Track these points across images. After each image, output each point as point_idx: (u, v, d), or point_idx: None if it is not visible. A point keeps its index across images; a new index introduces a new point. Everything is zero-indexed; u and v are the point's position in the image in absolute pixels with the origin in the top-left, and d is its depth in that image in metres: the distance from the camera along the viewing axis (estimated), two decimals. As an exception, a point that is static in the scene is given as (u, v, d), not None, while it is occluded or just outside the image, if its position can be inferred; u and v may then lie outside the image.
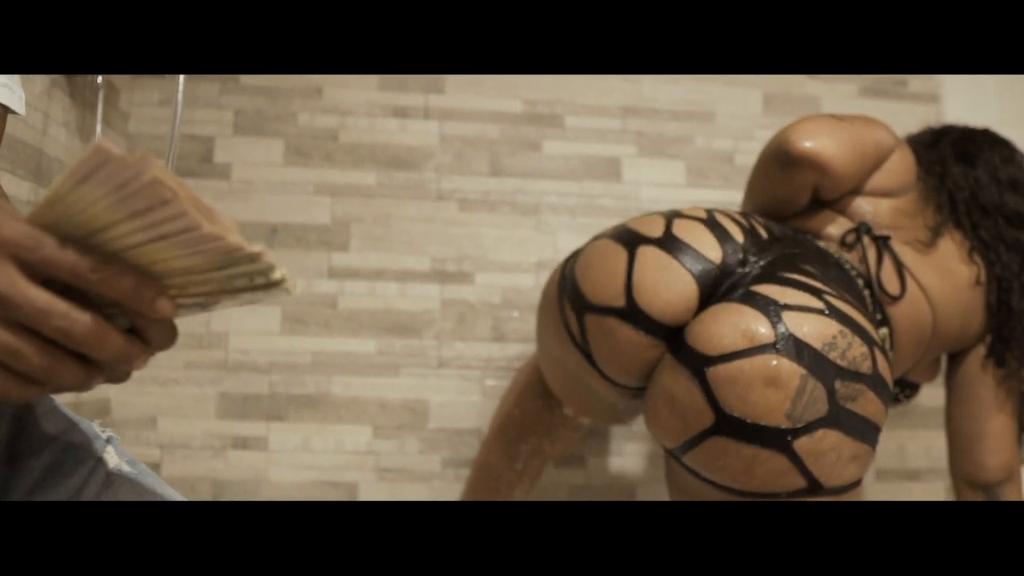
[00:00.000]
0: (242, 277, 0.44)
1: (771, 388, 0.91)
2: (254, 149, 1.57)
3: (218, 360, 1.52)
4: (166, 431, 1.50)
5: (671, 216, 1.05)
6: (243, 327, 1.53)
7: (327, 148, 1.58)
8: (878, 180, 1.18)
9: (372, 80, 1.61)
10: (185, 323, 1.52)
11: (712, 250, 1.00)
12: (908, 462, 1.68)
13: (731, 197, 1.64)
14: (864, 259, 1.12)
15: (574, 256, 1.11)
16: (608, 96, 1.66)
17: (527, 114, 1.64)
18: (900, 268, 1.13)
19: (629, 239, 1.03)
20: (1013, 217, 1.20)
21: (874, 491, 1.67)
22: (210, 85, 1.57)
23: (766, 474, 0.93)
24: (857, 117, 1.18)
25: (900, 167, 1.19)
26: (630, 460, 1.60)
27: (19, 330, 0.43)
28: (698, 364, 0.94)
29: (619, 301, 0.99)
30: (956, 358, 1.26)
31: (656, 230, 1.02)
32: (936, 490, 1.67)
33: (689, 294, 0.98)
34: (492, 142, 1.62)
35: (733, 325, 0.93)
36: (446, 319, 1.57)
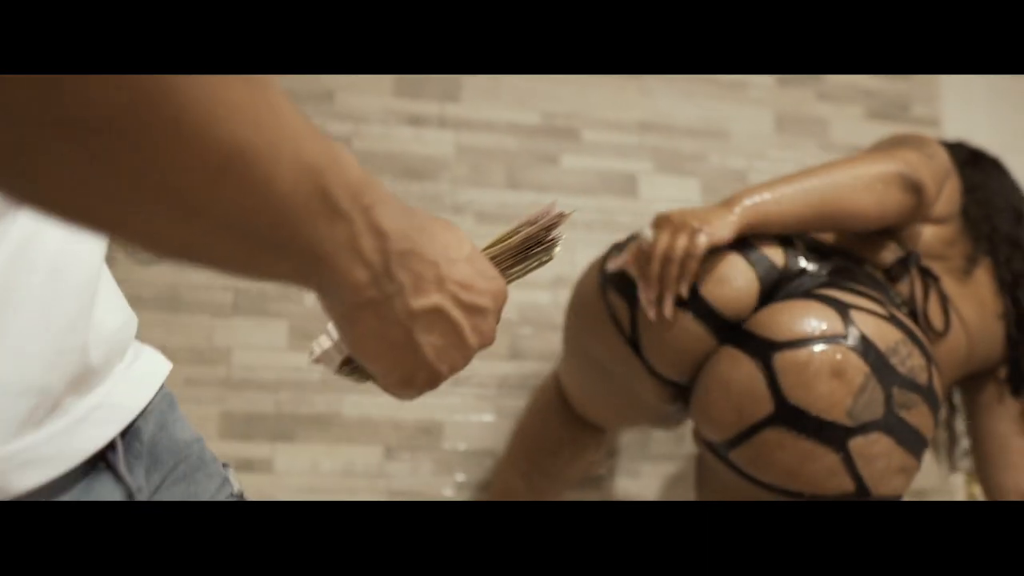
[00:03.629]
0: (534, 260, 0.54)
1: (837, 380, 0.92)
2: (261, 154, 1.49)
3: (220, 377, 1.43)
4: (163, 452, 1.40)
5: None
6: (248, 342, 1.45)
7: (339, 155, 1.51)
8: (934, 208, 1.16)
9: (387, 86, 1.55)
10: (186, 337, 1.43)
11: (777, 254, 1.03)
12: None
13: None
14: (912, 292, 1.12)
15: (616, 248, 1.12)
16: (625, 111, 1.64)
17: (545, 127, 1.60)
18: (945, 304, 1.12)
19: None
20: None
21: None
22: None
23: (816, 473, 0.94)
24: (926, 141, 1.14)
25: (951, 195, 1.17)
26: (646, 481, 1.57)
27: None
28: (764, 350, 0.95)
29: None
30: (971, 387, 1.26)
31: None
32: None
33: (752, 291, 1.01)
34: (509, 154, 1.58)
35: (802, 315, 0.96)
36: (461, 336, 1.51)
